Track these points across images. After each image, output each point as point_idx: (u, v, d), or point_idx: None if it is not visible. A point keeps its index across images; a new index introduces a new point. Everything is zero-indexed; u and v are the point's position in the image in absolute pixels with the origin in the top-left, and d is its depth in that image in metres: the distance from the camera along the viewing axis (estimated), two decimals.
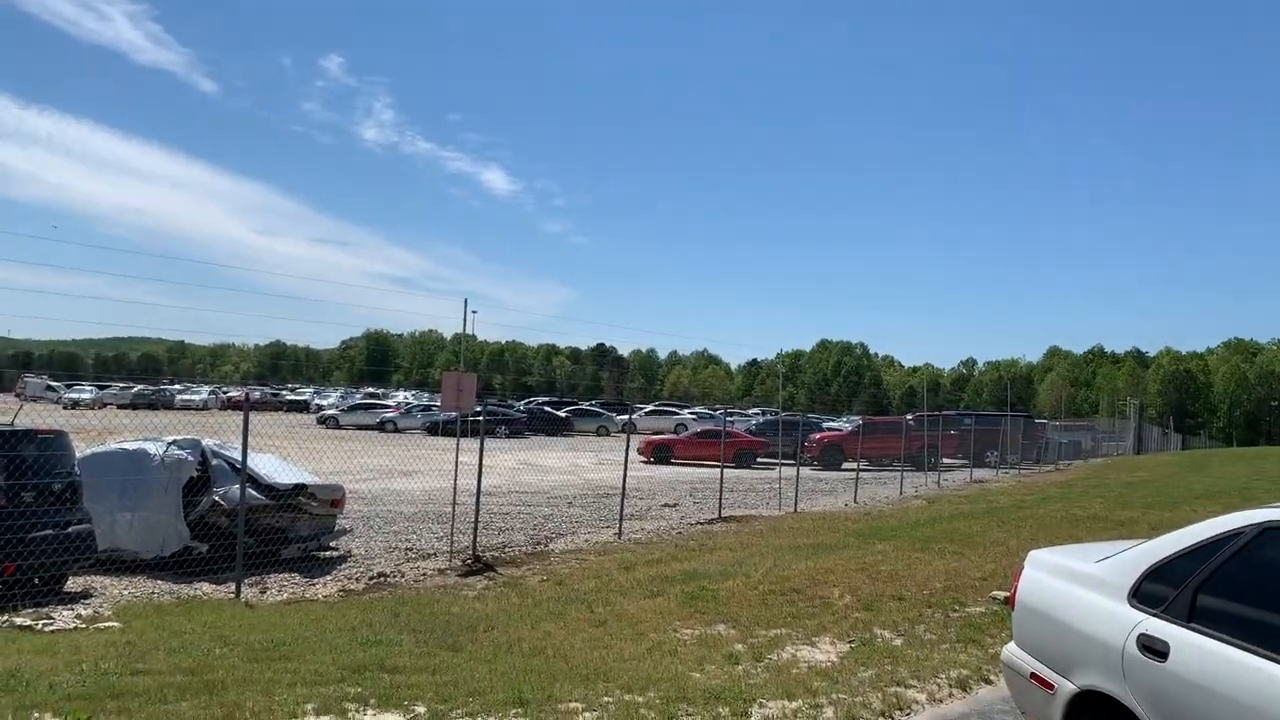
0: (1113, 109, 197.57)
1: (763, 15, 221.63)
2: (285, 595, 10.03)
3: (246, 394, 12.27)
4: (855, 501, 20.99)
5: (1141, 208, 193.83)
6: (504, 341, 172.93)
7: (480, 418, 14.26)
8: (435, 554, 12.54)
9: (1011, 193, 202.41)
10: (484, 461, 12.34)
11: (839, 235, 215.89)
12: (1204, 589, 3.78)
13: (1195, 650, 3.61)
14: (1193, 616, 3.74)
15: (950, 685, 6.49)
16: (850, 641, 7.73)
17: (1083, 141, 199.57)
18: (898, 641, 7.75)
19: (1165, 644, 3.74)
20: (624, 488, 15.54)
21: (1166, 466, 34.04)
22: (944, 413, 38.24)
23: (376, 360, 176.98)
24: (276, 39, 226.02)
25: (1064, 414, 63.96)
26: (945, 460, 32.68)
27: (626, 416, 19.17)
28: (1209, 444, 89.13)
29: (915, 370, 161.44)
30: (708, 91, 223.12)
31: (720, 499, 17.93)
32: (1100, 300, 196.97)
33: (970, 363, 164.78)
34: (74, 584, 9.92)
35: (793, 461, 24.03)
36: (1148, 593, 4.02)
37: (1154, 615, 3.89)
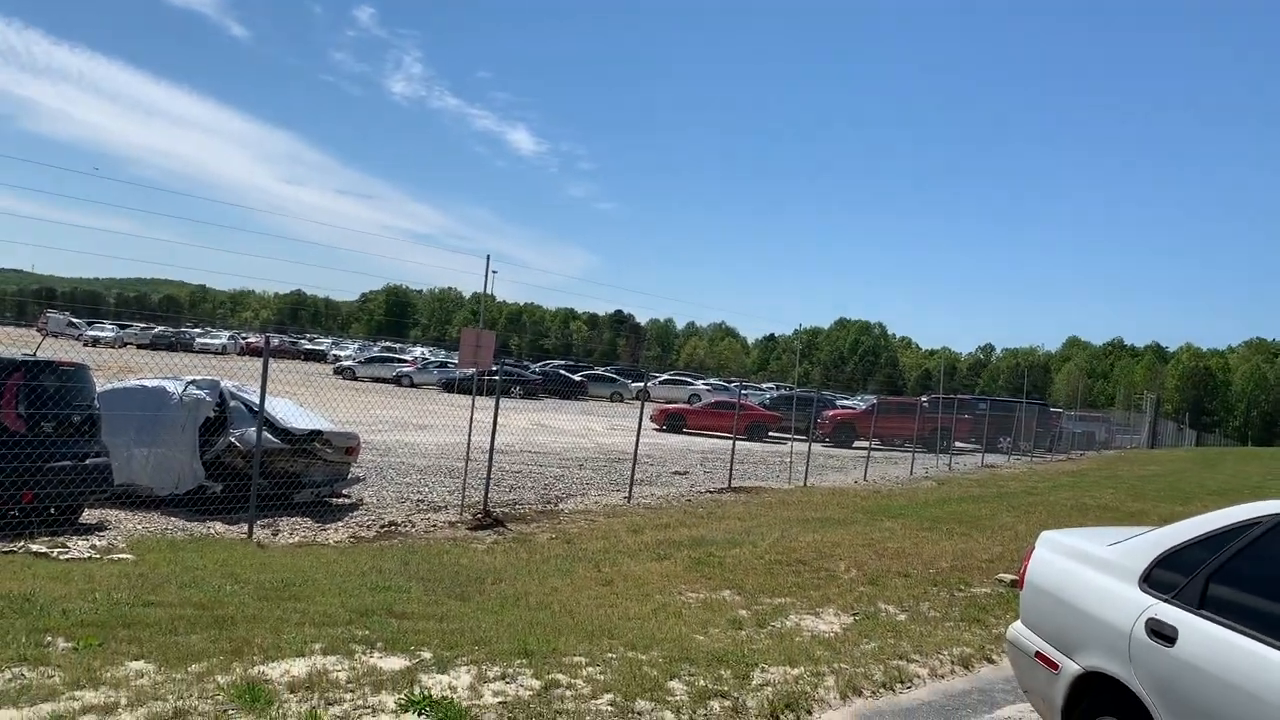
0: (1144, 107, 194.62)
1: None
2: (297, 538, 10.14)
3: (266, 339, 12.31)
4: (865, 479, 20.99)
5: (1166, 206, 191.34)
6: (522, 303, 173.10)
7: (496, 376, 14.30)
8: (446, 507, 12.63)
9: (1038, 187, 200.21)
10: (498, 420, 12.39)
11: (863, 216, 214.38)
12: (1216, 577, 3.76)
13: (1204, 637, 3.60)
14: (1203, 604, 3.73)
15: (953, 662, 6.52)
16: (854, 614, 7.77)
17: (1110, 138, 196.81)
18: (902, 617, 7.78)
19: (1174, 629, 3.73)
20: (636, 453, 15.60)
21: (1180, 462, 33.89)
22: (959, 396, 38.10)
23: (395, 314, 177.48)
24: None
25: (1079, 404, 63.57)
26: (958, 444, 32.59)
27: (641, 383, 19.15)
28: (1224, 442, 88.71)
29: (932, 353, 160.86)
30: (743, 61, 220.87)
31: (731, 469, 17.96)
32: (1122, 294, 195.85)
33: (988, 349, 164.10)
34: (89, 515, 10.04)
35: (804, 437, 24.03)
36: (1159, 578, 4.01)
37: (1164, 600, 3.88)
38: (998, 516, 14.60)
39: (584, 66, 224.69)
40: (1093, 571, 4.37)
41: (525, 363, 66.68)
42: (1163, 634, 3.77)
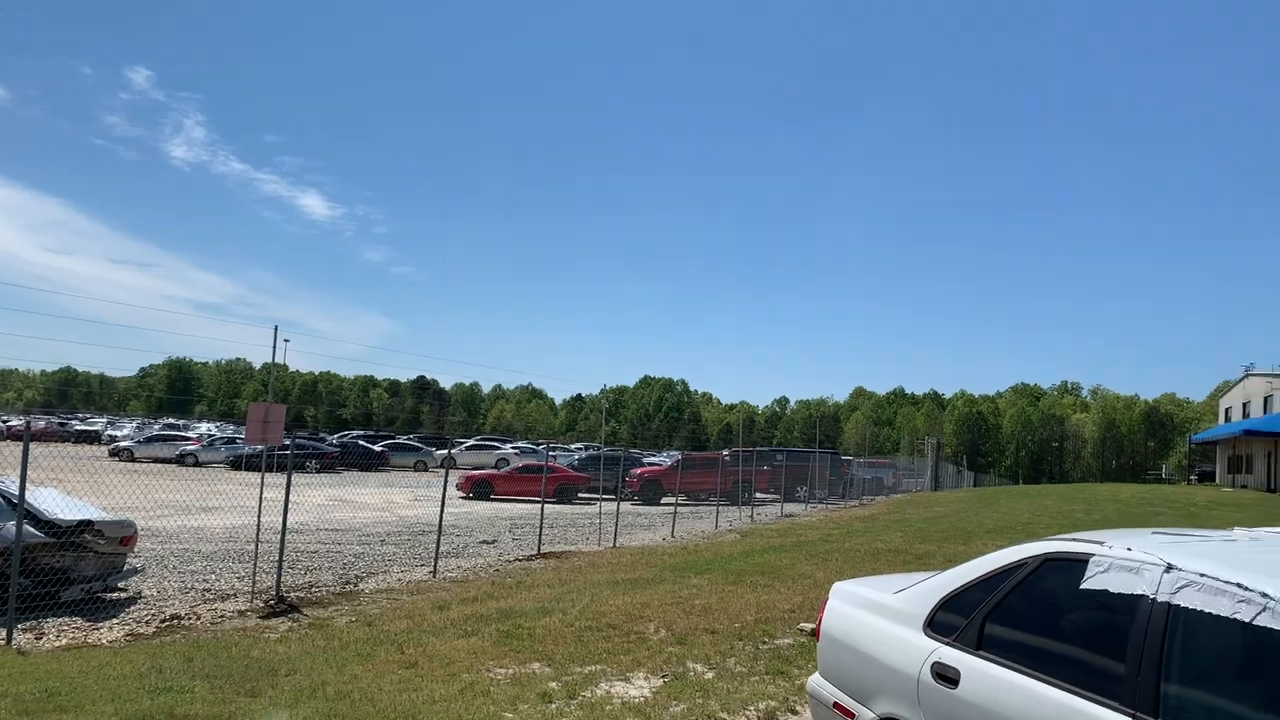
0: (900, 176, 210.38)
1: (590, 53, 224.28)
2: (65, 640, 9.23)
3: (28, 422, 11.28)
4: (673, 536, 21.26)
5: (930, 264, 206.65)
6: (318, 372, 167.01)
7: (288, 451, 13.66)
8: (235, 595, 11.86)
9: (823, 238, 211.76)
10: (291, 497, 11.81)
11: (662, 274, 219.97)
12: (991, 618, 4.00)
13: (983, 677, 3.80)
14: (981, 644, 3.95)
15: (759, 717, 6.62)
16: (664, 676, 7.78)
17: (872, 205, 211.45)
18: (709, 675, 7.85)
19: (957, 671, 3.93)
20: (440, 524, 15.20)
21: (960, 502, 36.17)
22: (758, 449, 39.42)
23: (178, 389, 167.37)
24: (75, 46, 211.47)
25: (868, 451, 67.12)
26: (759, 495, 33.65)
27: (445, 451, 18.76)
28: (998, 481, 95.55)
29: (732, 407, 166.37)
30: (536, 121, 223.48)
31: (540, 535, 17.79)
32: (902, 344, 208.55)
33: (783, 401, 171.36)
34: None
35: (614, 496, 24.15)
36: (941, 622, 4.22)
37: (947, 644, 4.09)
38: (797, 566, 15.08)
39: (377, 130, 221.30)
40: (881, 619, 4.56)
41: (322, 435, 64.06)
42: (947, 676, 3.96)
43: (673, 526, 22.42)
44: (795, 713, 6.76)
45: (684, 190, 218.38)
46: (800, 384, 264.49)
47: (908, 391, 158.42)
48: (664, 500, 32.97)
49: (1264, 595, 3.04)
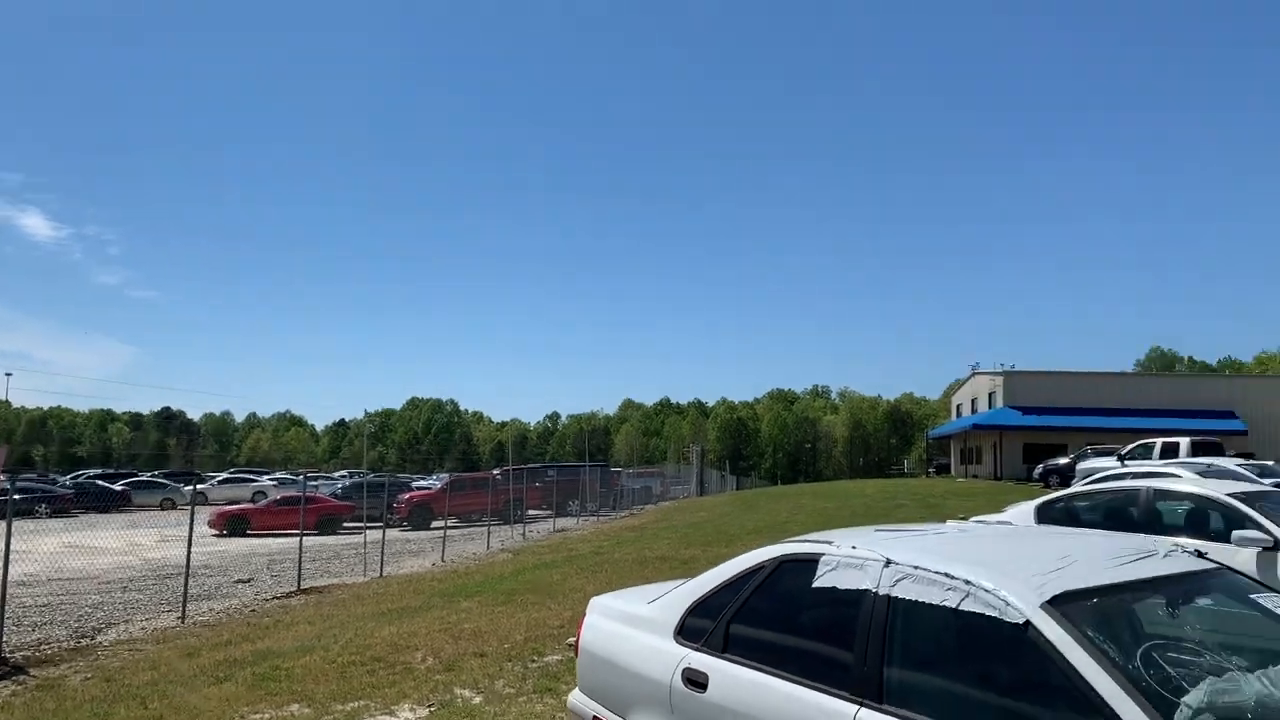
0: (629, 206, 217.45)
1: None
2: None
3: None
4: (443, 560, 20.89)
5: (692, 270, 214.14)
6: (47, 407, 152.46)
7: (7, 496, 12.35)
8: None
9: (593, 254, 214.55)
10: (14, 546, 10.71)
11: (424, 291, 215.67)
12: (735, 620, 4.17)
13: (727, 678, 3.97)
14: (727, 647, 4.11)
15: None
16: (430, 706, 7.63)
17: (611, 227, 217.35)
18: (477, 700, 7.77)
19: (705, 675, 4.07)
20: (188, 564, 14.24)
21: (724, 506, 37.60)
22: (529, 466, 39.48)
23: None
24: None
25: (637, 461, 68.73)
26: (531, 512, 33.68)
27: (192, 487, 17.60)
28: (759, 483, 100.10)
29: (504, 425, 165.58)
30: (273, 133, 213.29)
31: (299, 570, 17.00)
32: (666, 356, 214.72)
33: (555, 416, 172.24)
34: None
35: (380, 524, 23.43)
36: (691, 628, 4.37)
37: (696, 649, 4.23)
38: (568, 580, 15.19)
39: (107, 142, 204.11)
40: (636, 631, 4.66)
41: (53, 475, 58.49)
42: (697, 681, 4.10)
43: (443, 551, 22.03)
44: None
45: (449, 198, 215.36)
46: (572, 399, 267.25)
47: (674, 401, 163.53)
48: (434, 524, 32.32)
49: (967, 582, 3.35)
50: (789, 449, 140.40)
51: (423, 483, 47.86)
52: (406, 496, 34.95)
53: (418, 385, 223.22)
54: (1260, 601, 3.59)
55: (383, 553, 19.40)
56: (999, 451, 52.11)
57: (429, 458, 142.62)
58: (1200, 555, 3.93)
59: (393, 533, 28.51)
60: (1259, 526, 8.30)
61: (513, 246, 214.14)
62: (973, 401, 63.71)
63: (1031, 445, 49.37)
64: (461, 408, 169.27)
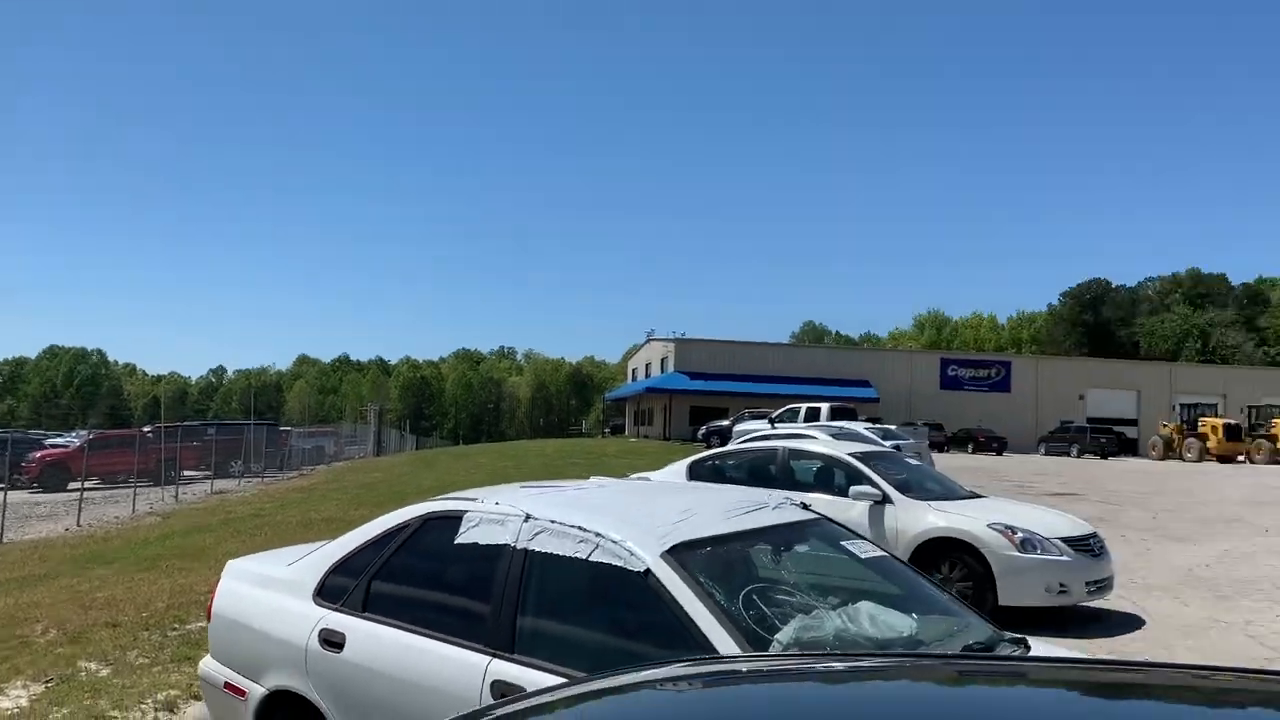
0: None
1: None
2: None
3: None
4: (79, 525, 19.00)
5: (376, 224, 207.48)
6: None
7: None
8: None
9: (261, 202, 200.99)
10: None
11: (75, 233, 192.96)
12: (377, 578, 4.14)
13: (367, 637, 3.93)
14: (366, 606, 4.07)
15: (156, 709, 6.22)
16: (47, 681, 6.95)
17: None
18: (105, 672, 7.18)
19: (342, 635, 4.01)
20: None
21: (402, 466, 36.98)
22: (186, 424, 36.74)
23: None
24: None
25: (310, 421, 65.92)
26: (187, 473, 31.42)
27: None
28: (440, 443, 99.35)
29: (160, 379, 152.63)
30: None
31: None
32: (348, 310, 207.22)
33: (220, 371, 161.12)
34: None
35: (2, 485, 20.87)
36: (331, 588, 4.27)
37: (334, 610, 4.15)
38: (222, 545, 14.32)
39: None
40: (273, 594, 4.49)
41: None
42: (333, 641, 4.03)
43: (79, 514, 20.01)
44: (200, 699, 6.42)
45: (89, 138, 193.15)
46: (240, 352, 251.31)
47: (354, 358, 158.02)
48: (72, 486, 29.25)
49: (597, 534, 3.53)
50: (473, 409, 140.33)
51: (59, 440, 43.09)
52: (38, 455, 31.41)
53: (60, 333, 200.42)
54: (848, 547, 4.08)
55: (3, 515, 17.28)
56: (669, 413, 55.11)
57: (70, 413, 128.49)
58: (805, 507, 4.39)
59: (20, 495, 25.49)
60: (872, 483, 9.40)
61: (170, 172, 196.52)
62: (647, 366, 66.90)
63: (698, 408, 52.56)
64: (110, 358, 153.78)
